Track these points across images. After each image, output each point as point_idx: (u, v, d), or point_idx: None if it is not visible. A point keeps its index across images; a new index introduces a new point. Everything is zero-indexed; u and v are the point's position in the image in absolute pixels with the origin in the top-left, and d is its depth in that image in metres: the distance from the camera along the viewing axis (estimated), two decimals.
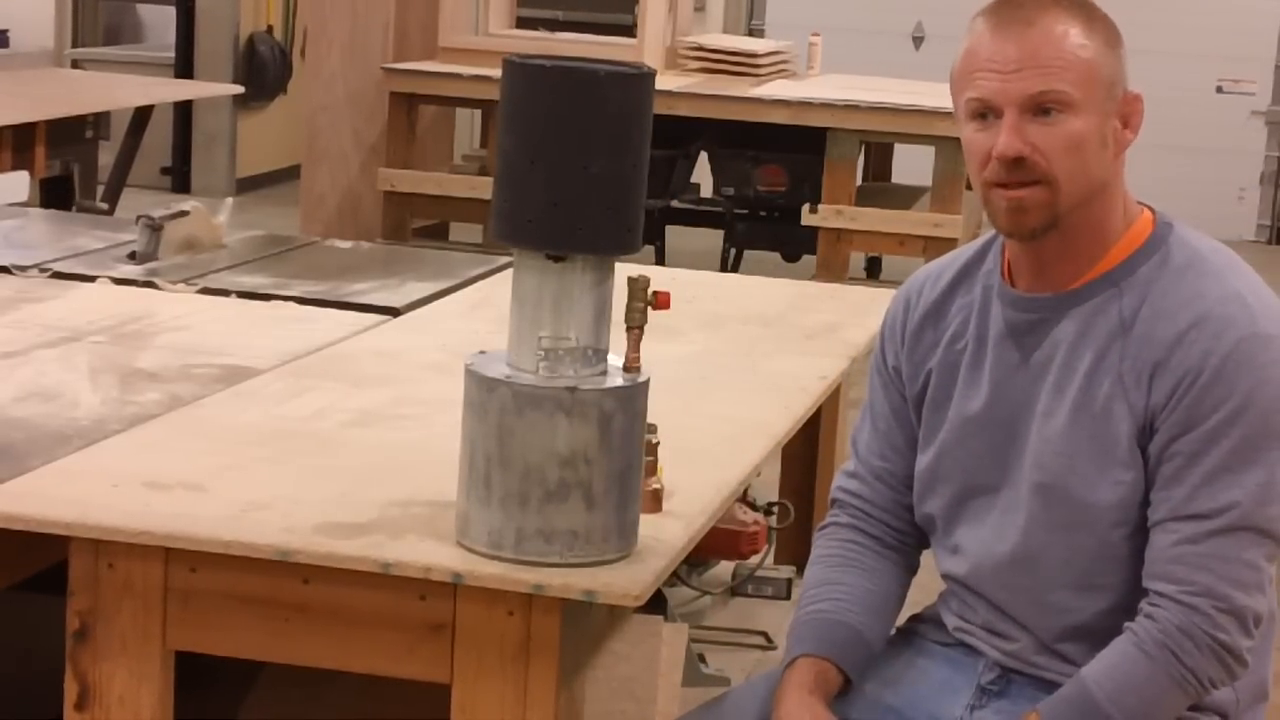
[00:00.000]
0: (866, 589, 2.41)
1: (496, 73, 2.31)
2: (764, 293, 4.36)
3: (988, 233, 2.41)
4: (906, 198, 7.89)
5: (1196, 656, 2.17)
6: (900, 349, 2.43)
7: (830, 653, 2.34)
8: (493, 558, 2.30)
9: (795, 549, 4.38)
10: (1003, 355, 2.32)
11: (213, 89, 9.17)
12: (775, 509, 4.33)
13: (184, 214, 4.23)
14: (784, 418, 3.18)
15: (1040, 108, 2.20)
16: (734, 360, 3.60)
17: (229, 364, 3.26)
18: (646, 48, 7.88)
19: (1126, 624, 2.21)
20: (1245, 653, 2.20)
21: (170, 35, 10.53)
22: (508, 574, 2.29)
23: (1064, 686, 2.23)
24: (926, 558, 2.50)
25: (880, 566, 2.44)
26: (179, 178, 10.42)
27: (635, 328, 2.32)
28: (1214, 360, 2.17)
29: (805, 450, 4.35)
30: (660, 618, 3.20)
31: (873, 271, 8.80)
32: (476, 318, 3.80)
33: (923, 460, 2.41)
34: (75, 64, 10.11)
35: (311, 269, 4.20)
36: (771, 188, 7.85)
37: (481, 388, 2.29)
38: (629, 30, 8.70)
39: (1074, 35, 2.20)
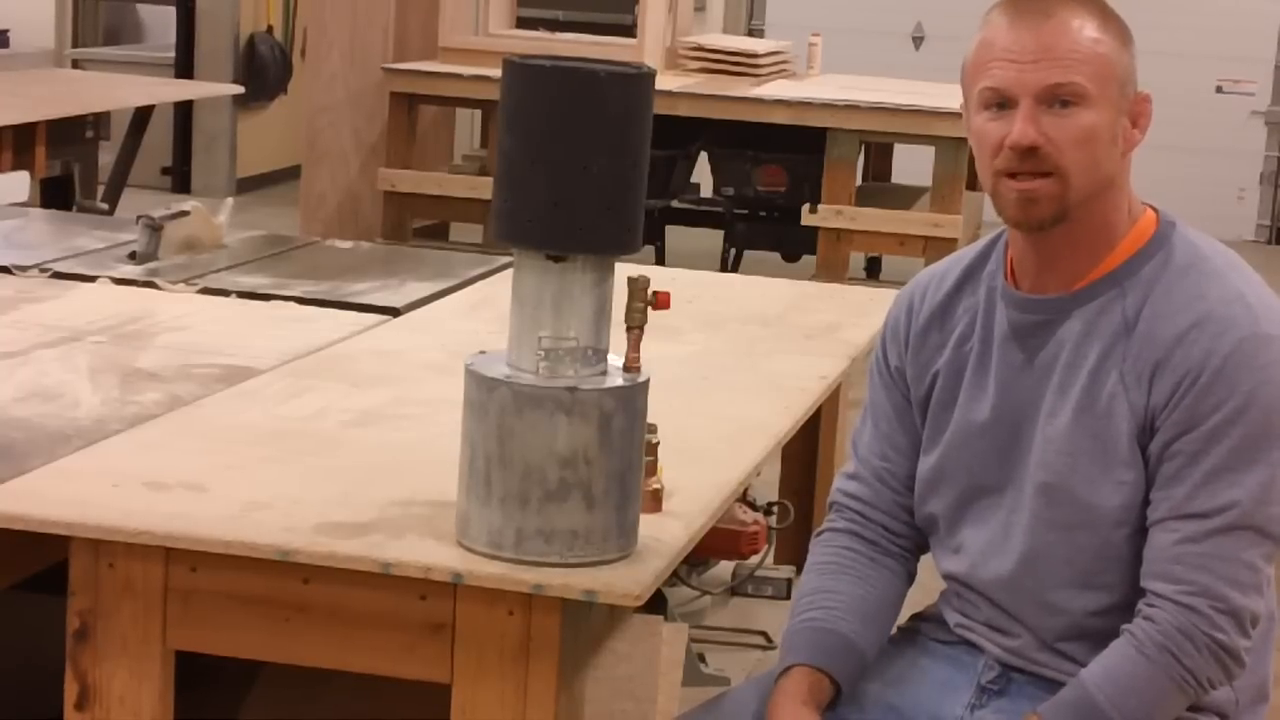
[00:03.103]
0: (860, 596, 2.40)
1: (496, 73, 2.31)
2: (764, 293, 4.36)
3: (989, 234, 2.42)
4: (906, 198, 7.89)
5: (1195, 657, 2.17)
6: (904, 351, 2.43)
7: (822, 662, 2.34)
8: (493, 558, 2.30)
9: (795, 549, 4.37)
10: (1008, 356, 2.32)
11: (213, 89, 9.17)
12: (775, 509, 4.33)
13: (184, 214, 4.23)
14: (784, 418, 3.18)
15: (1056, 99, 2.20)
16: (734, 360, 3.60)
17: (229, 364, 3.26)
18: (646, 48, 7.88)
19: (1125, 626, 2.21)
20: (1243, 653, 2.20)
21: (170, 35, 10.53)
22: (508, 574, 2.29)
23: (1064, 689, 2.23)
24: (926, 560, 2.50)
25: (875, 574, 2.43)
26: (179, 178, 10.42)
27: (635, 328, 2.32)
28: (1215, 360, 2.17)
29: (805, 450, 4.35)
30: (660, 618, 3.20)
31: (873, 271, 8.80)
32: (476, 318, 3.80)
33: (926, 461, 2.41)
34: (75, 64, 10.11)
35: (311, 269, 4.20)
36: (771, 188, 7.85)
37: (481, 388, 2.29)
38: (629, 30, 8.70)
39: (1090, 30, 2.21)
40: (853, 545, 2.45)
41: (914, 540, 2.47)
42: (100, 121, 7.26)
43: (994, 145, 2.23)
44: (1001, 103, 2.22)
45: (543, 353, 2.26)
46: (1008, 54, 2.22)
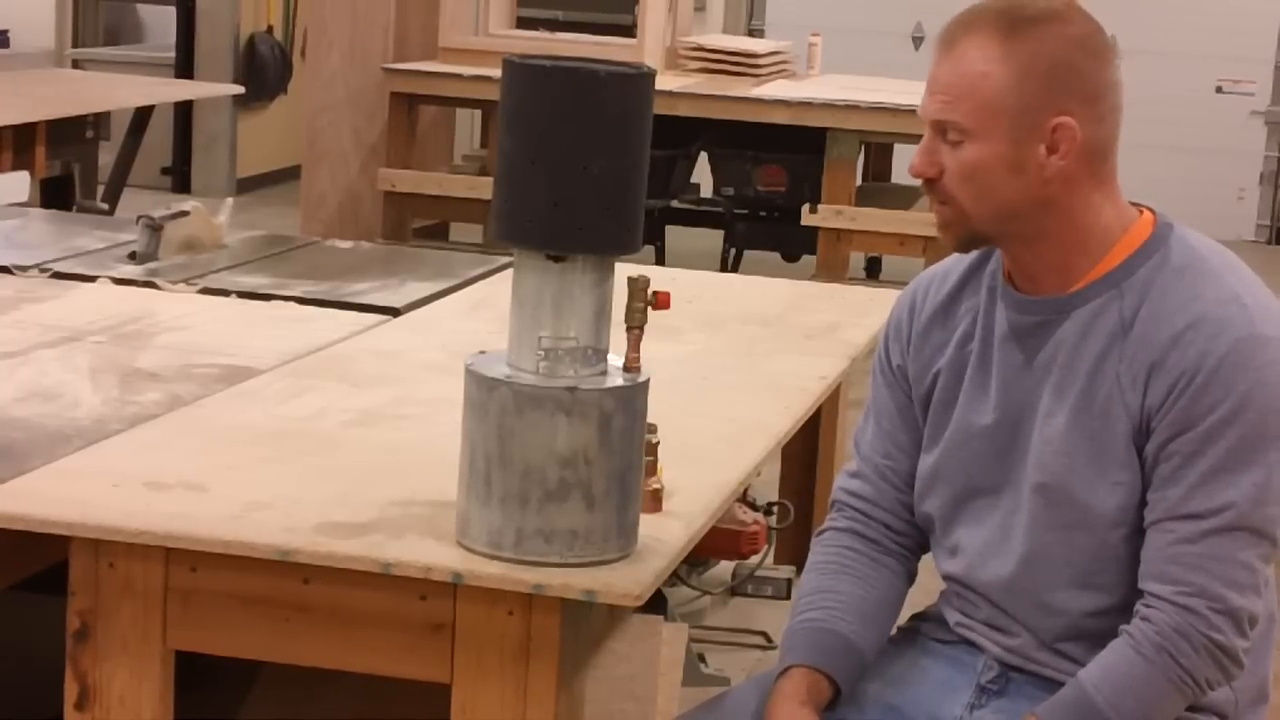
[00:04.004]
0: (860, 596, 2.40)
1: (496, 73, 2.31)
2: (764, 293, 4.36)
3: None
4: (906, 198, 7.89)
5: (1193, 658, 2.17)
6: (905, 350, 2.43)
7: (821, 663, 2.34)
8: (493, 558, 2.30)
9: (795, 549, 4.38)
10: (1007, 357, 2.32)
11: (213, 89, 9.17)
12: (775, 509, 4.33)
13: (184, 214, 4.23)
14: (784, 418, 3.18)
15: (946, 134, 2.23)
16: (734, 360, 3.60)
17: (229, 364, 3.26)
18: (646, 48, 7.88)
19: (1123, 626, 2.21)
20: (1241, 653, 2.20)
21: (170, 35, 10.53)
22: (508, 574, 2.29)
23: (1062, 689, 2.23)
24: (926, 560, 2.50)
25: (876, 574, 2.43)
26: (179, 178, 10.42)
27: (635, 328, 2.32)
28: (1210, 361, 2.17)
29: (805, 450, 4.35)
30: (660, 618, 3.20)
31: (873, 271, 8.80)
32: (476, 318, 3.80)
33: (926, 460, 2.41)
34: (75, 64, 10.12)
35: (311, 269, 4.20)
36: (771, 188, 7.86)
37: (481, 388, 2.29)
38: (629, 30, 8.70)
39: (979, 62, 2.20)
40: (854, 545, 2.45)
41: (916, 539, 2.47)
42: (100, 121, 7.26)
43: None
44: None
45: (543, 353, 2.27)
46: (928, 81, 2.26)
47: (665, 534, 2.47)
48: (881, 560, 2.44)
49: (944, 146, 2.23)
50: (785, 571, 4.42)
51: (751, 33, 10.85)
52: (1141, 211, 2.30)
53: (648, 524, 2.43)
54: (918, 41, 10.85)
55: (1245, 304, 2.20)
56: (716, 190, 8.19)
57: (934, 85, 2.24)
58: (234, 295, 3.85)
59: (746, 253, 8.29)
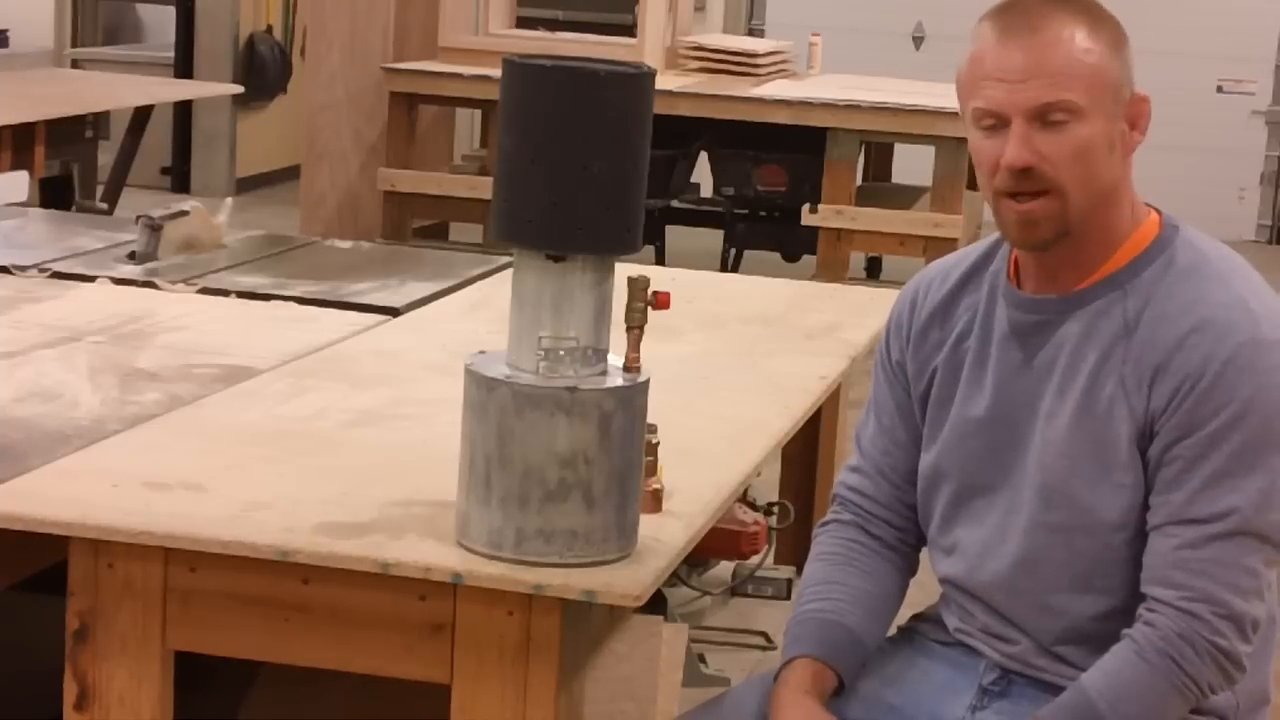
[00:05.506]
0: (865, 590, 2.41)
1: (496, 73, 2.31)
2: (764, 293, 4.35)
3: (993, 233, 2.40)
4: (906, 198, 7.89)
5: (1196, 663, 2.17)
6: (905, 346, 2.43)
7: (826, 654, 2.34)
8: (493, 558, 2.30)
9: (795, 549, 4.37)
10: (1006, 356, 2.32)
11: (213, 89, 9.17)
12: (775, 509, 4.33)
13: (184, 214, 4.23)
14: (784, 418, 3.18)
15: (1048, 117, 2.18)
16: (734, 360, 3.60)
17: (229, 364, 3.26)
18: (646, 48, 7.88)
19: (1125, 631, 2.21)
20: (1244, 658, 2.19)
21: (170, 35, 10.53)
22: (508, 574, 2.29)
23: (1064, 694, 2.22)
24: (926, 559, 2.50)
25: (880, 568, 2.44)
26: (179, 178, 10.41)
27: (635, 328, 2.32)
28: (1215, 365, 2.16)
29: (805, 450, 4.34)
30: (660, 618, 3.20)
31: (873, 271, 8.80)
32: (476, 318, 3.80)
33: (925, 459, 2.40)
34: (75, 64, 10.11)
35: (311, 269, 4.20)
36: (771, 188, 7.85)
37: (481, 388, 2.29)
38: (629, 30, 8.70)
39: (1079, 40, 2.19)
40: (857, 538, 2.45)
41: (916, 534, 2.47)
42: (100, 121, 7.26)
43: (990, 164, 2.21)
44: (995, 121, 2.21)
45: (543, 353, 2.26)
46: (998, 72, 2.19)
47: (665, 534, 2.47)
48: (884, 555, 2.45)
49: (1040, 134, 2.19)
50: (785, 572, 4.42)
51: (751, 33, 10.85)
52: (1149, 212, 2.30)
53: (648, 524, 2.43)
54: (918, 41, 10.84)
55: (1251, 308, 2.20)
56: (716, 190, 8.19)
57: (1028, 71, 2.17)
58: (234, 295, 3.84)
59: (746, 253, 8.28)
